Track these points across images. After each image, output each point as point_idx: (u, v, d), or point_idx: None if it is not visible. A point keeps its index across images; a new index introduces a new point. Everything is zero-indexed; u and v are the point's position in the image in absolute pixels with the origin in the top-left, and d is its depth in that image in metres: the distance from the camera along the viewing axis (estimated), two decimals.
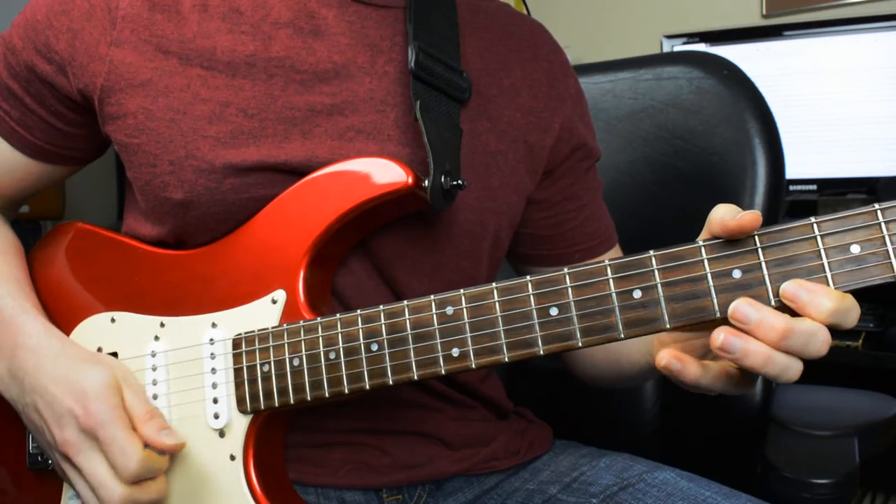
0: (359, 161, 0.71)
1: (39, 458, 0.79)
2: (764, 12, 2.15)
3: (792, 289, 0.53)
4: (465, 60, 0.80)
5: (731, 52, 1.81)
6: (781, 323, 0.52)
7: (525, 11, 1.98)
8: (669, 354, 0.57)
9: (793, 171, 1.85)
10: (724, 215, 0.55)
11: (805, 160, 1.91)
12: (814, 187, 1.92)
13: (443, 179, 0.70)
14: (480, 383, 0.86)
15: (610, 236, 0.93)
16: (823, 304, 0.52)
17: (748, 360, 0.53)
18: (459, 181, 0.72)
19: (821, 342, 0.53)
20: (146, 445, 0.67)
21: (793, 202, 1.93)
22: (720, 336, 0.54)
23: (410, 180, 0.69)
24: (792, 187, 1.92)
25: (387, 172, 0.69)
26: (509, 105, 0.82)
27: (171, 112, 0.72)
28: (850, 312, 0.53)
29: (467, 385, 0.84)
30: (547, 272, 0.61)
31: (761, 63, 1.94)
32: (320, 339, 0.67)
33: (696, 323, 0.57)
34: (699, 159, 1.06)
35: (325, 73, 0.74)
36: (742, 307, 0.53)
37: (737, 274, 0.54)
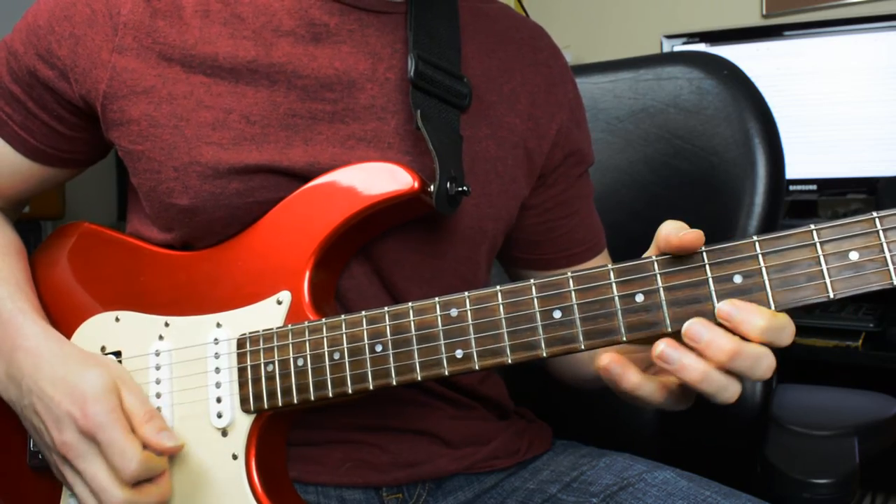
0: (365, 165, 0.71)
1: (40, 456, 0.79)
2: (764, 12, 2.15)
3: (726, 308, 0.54)
4: (465, 65, 0.80)
5: (731, 52, 1.81)
6: (730, 345, 0.53)
7: (523, 13, 1.99)
8: (611, 358, 0.58)
9: (793, 171, 1.85)
10: (668, 232, 0.56)
11: (805, 160, 1.91)
12: (814, 187, 1.92)
13: (448, 185, 0.71)
14: (480, 384, 0.87)
15: (598, 242, 0.93)
16: (756, 322, 0.53)
17: (684, 374, 0.54)
18: (465, 187, 0.72)
19: (766, 366, 0.54)
20: (145, 447, 0.67)
21: (793, 202, 1.94)
22: (660, 346, 0.55)
23: (416, 185, 0.69)
24: (792, 187, 1.93)
25: (393, 177, 0.70)
26: (509, 111, 0.82)
27: (174, 119, 0.72)
28: (784, 331, 0.53)
29: (466, 385, 0.84)
30: (535, 276, 0.61)
31: (761, 63, 1.94)
32: (325, 339, 0.68)
33: None
34: (699, 159, 1.06)
35: (326, 80, 0.74)
36: (695, 326, 0.54)
37: (738, 279, 0.55)
